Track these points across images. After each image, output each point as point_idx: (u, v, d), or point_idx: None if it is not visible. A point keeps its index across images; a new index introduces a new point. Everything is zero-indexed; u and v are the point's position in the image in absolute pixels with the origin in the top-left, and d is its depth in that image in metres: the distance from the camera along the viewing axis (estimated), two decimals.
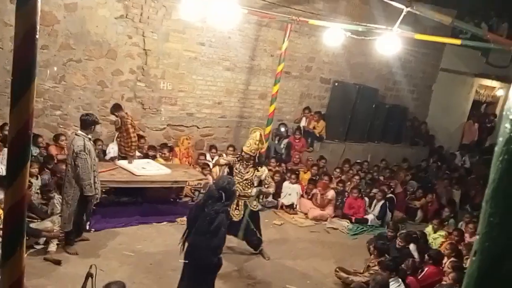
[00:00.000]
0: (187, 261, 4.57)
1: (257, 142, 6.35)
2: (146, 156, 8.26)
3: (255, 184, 6.41)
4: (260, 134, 6.48)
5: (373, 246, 6.63)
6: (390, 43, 7.46)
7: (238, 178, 6.29)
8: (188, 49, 9.08)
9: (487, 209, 0.61)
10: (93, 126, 5.96)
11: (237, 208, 6.35)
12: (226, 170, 7.07)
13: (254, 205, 6.53)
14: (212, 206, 4.50)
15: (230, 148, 9.55)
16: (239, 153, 6.81)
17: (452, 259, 6.47)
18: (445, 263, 6.36)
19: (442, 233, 7.99)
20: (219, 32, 9.18)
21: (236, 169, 6.44)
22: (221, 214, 4.51)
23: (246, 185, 6.39)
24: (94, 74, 8.21)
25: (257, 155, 6.42)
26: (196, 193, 8.25)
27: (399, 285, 5.55)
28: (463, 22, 7.57)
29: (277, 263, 6.82)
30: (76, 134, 5.83)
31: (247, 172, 6.37)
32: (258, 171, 6.41)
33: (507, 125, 0.63)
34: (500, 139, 0.63)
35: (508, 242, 0.59)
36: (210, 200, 4.57)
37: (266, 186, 6.51)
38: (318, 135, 10.94)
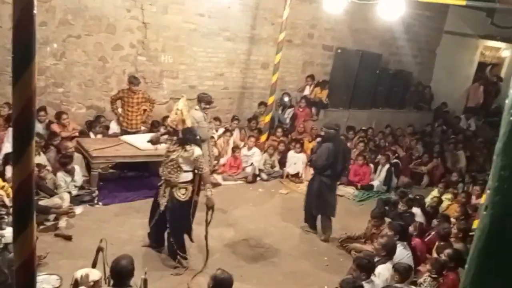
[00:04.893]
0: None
1: (179, 112, 5.16)
2: (150, 130, 8.27)
3: (186, 168, 5.22)
4: (183, 102, 5.22)
5: (371, 216, 6.51)
6: (393, 6, 7.32)
7: (165, 159, 5.29)
8: (188, 20, 8.96)
9: (498, 163, 0.60)
10: None
11: (164, 195, 5.33)
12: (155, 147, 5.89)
13: (182, 194, 5.28)
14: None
15: (235, 121, 9.54)
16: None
17: (459, 221, 6.54)
18: (452, 225, 6.41)
19: (448, 196, 8.04)
20: (218, 2, 9.03)
21: (167, 148, 5.38)
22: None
23: (172, 168, 5.19)
24: (94, 50, 8.14)
25: (181, 129, 5.17)
26: None
27: (403, 247, 5.62)
28: None
29: (284, 231, 6.91)
30: None
31: (173, 151, 5.22)
32: (185, 151, 5.16)
33: None
34: (511, 91, 0.62)
35: None
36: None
37: (198, 170, 5.23)
38: (325, 101, 10.83)
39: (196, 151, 5.17)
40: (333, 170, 6.66)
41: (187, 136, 5.20)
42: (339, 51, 11.38)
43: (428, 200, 7.89)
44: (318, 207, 6.81)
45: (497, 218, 0.58)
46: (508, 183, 0.57)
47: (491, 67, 14.71)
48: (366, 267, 4.73)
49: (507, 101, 0.65)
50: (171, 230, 5.39)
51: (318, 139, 7.35)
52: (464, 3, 8.36)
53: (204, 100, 7.06)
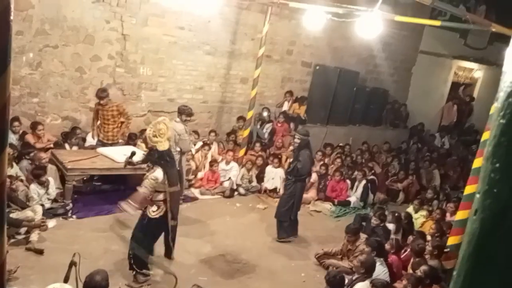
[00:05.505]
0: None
1: (150, 132, 5.07)
2: (127, 143, 8.17)
3: (156, 188, 5.14)
4: (157, 123, 5.08)
5: (345, 231, 6.45)
6: (371, 25, 7.45)
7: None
8: (168, 33, 8.95)
9: (487, 167, 0.60)
10: None
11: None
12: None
13: (153, 211, 5.19)
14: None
15: (212, 134, 9.50)
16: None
17: (433, 238, 6.59)
18: (427, 242, 6.46)
19: (423, 213, 8.13)
20: (198, 16, 9.06)
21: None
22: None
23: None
24: (71, 60, 8.03)
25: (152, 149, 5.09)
26: None
27: (380, 264, 5.64)
28: (443, 2, 7.62)
29: (261, 247, 6.86)
30: None
31: (147, 171, 5.19)
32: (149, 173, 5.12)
33: (507, 79, 0.62)
34: (501, 94, 0.62)
35: (510, 198, 0.58)
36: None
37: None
38: (303, 117, 10.90)
39: (157, 174, 5.01)
40: (308, 174, 7.48)
41: (148, 157, 5.21)
42: (317, 67, 11.51)
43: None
44: (296, 210, 7.19)
45: (487, 222, 0.57)
46: (498, 186, 0.57)
47: (464, 88, 15.11)
48: (334, 284, 4.75)
49: (496, 104, 0.65)
50: (133, 244, 5.24)
51: (291, 147, 7.82)
52: (439, 23, 8.60)
53: (185, 113, 7.14)
